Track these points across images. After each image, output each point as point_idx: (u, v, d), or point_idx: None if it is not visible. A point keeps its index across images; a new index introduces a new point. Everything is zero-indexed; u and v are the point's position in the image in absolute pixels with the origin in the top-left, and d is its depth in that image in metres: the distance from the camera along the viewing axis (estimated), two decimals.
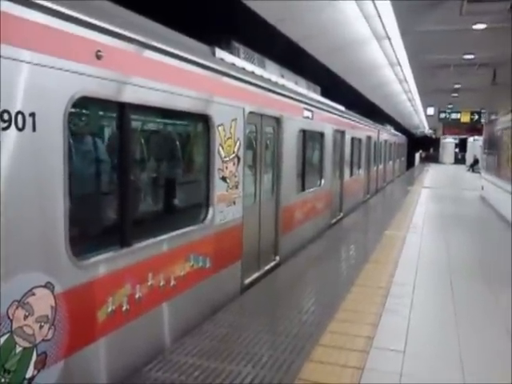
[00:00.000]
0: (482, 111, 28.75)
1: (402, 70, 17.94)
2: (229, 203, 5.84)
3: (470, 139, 42.21)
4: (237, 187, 6.04)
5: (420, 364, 4.27)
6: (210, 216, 5.40)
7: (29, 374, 2.96)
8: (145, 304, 4.17)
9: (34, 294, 2.98)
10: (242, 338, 4.66)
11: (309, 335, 4.77)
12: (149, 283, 4.22)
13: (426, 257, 8.41)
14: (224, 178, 5.70)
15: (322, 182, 10.92)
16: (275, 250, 7.81)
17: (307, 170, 9.67)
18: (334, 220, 12.30)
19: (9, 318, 2.81)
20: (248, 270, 6.59)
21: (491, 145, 17.18)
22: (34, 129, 2.95)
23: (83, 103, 3.52)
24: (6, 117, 2.75)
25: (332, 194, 11.94)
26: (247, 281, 6.55)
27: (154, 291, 4.29)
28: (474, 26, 10.81)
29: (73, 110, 3.35)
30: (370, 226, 12.49)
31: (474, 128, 35.05)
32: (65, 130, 3.21)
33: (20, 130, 2.86)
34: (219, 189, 5.58)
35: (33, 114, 2.94)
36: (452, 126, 38.17)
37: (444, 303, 5.99)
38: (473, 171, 35.45)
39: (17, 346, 2.87)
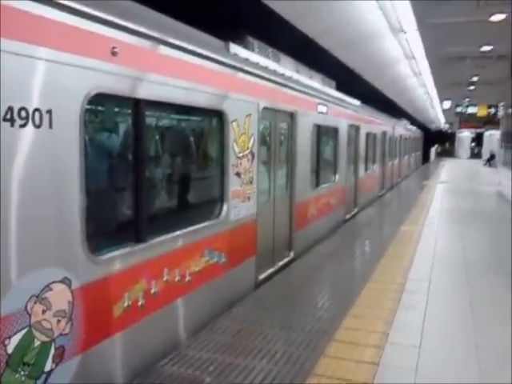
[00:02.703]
0: (500, 105, 28.32)
1: (417, 64, 17.75)
2: (243, 199, 5.84)
3: (487, 133, 41.66)
4: (251, 183, 6.04)
5: (436, 360, 4.24)
6: (224, 212, 5.41)
7: (47, 368, 3.01)
8: (160, 299, 4.20)
9: (51, 289, 3.03)
10: (256, 333, 4.68)
11: (323, 331, 4.77)
12: (164, 278, 4.25)
13: (442, 252, 8.34)
14: (238, 174, 5.70)
15: (337, 177, 10.87)
16: (289, 245, 7.81)
17: (321, 166, 9.63)
18: (349, 215, 12.25)
19: (27, 312, 2.86)
20: (262, 266, 6.60)
21: (509, 139, 16.91)
22: (50, 126, 2.99)
23: (99, 100, 3.55)
24: (23, 114, 2.79)
25: (346, 189, 11.89)
26: (262, 276, 6.56)
27: (169, 286, 4.32)
28: (492, 18, 10.63)
29: (88, 106, 3.38)
30: (386, 222, 12.42)
31: (491, 122, 34.56)
32: (81, 126, 3.24)
33: (37, 127, 2.89)
34: (233, 185, 5.59)
35: (50, 111, 2.97)
36: (468, 120, 37.69)
37: (460, 299, 5.94)
38: (489, 166, 35.01)
39: (35, 340, 2.91)
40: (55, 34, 3.03)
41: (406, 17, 11.05)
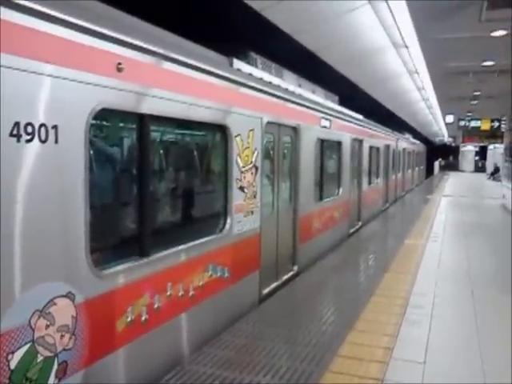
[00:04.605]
0: (503, 118, 28.32)
1: (420, 78, 17.81)
2: (247, 213, 5.85)
3: (491, 147, 41.62)
4: (254, 197, 6.05)
5: (441, 375, 4.20)
6: (228, 226, 5.41)
7: (50, 383, 3.00)
8: (164, 314, 4.19)
9: (55, 304, 3.03)
10: (260, 348, 4.65)
11: (328, 345, 4.73)
12: (168, 293, 4.25)
13: (447, 266, 8.30)
14: (242, 188, 5.72)
15: (340, 191, 10.87)
16: (293, 259, 7.79)
17: (325, 179, 9.64)
18: (353, 229, 12.23)
19: (31, 327, 2.86)
20: (266, 280, 6.58)
21: None
22: (56, 141, 3.01)
23: (104, 115, 3.58)
24: (29, 129, 2.82)
25: (350, 203, 11.88)
26: (265, 291, 6.54)
27: (172, 301, 4.31)
28: (493, 33, 10.68)
29: (94, 121, 3.41)
30: (389, 235, 12.37)
31: (495, 135, 34.53)
32: (86, 141, 3.27)
33: (43, 142, 2.92)
34: (237, 199, 5.60)
35: (55, 127, 3.00)
36: (472, 134, 37.62)
37: (465, 313, 5.90)
38: (493, 179, 34.93)
39: (38, 355, 2.91)
40: (61, 50, 3.07)
41: (408, 32, 11.11)
